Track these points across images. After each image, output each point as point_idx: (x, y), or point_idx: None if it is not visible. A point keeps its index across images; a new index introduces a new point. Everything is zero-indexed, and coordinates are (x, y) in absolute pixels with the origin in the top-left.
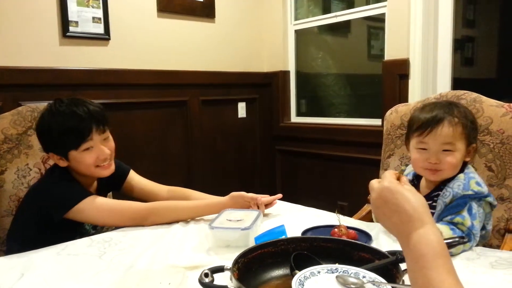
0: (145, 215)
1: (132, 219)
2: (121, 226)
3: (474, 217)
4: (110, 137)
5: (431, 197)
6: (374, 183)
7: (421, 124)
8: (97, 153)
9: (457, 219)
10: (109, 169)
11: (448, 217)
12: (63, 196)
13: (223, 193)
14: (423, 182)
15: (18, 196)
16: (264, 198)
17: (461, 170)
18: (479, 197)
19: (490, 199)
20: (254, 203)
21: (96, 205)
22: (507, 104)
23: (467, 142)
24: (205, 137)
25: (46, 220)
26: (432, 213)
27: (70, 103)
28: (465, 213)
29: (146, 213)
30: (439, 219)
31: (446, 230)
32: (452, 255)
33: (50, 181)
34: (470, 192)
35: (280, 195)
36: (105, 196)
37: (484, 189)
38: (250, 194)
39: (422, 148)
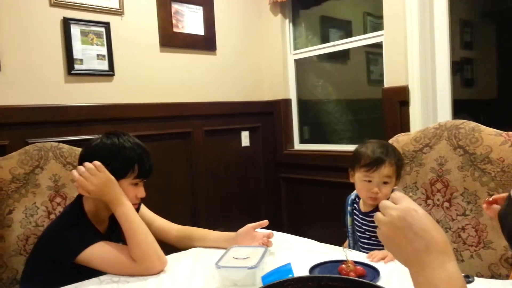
0: (135, 269)
1: (135, 270)
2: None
3: None
4: None
5: (369, 215)
6: (390, 204)
7: (368, 163)
8: (138, 191)
9: None
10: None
11: None
12: (70, 243)
13: (228, 222)
14: (361, 202)
15: (25, 235)
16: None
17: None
18: None
19: None
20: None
21: (101, 254)
22: (505, 132)
23: (397, 175)
24: (209, 167)
25: (57, 266)
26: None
27: (138, 141)
28: None
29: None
30: None
31: None
32: None
33: (60, 227)
34: None
35: (266, 222)
36: (118, 233)
37: None
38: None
39: (367, 180)
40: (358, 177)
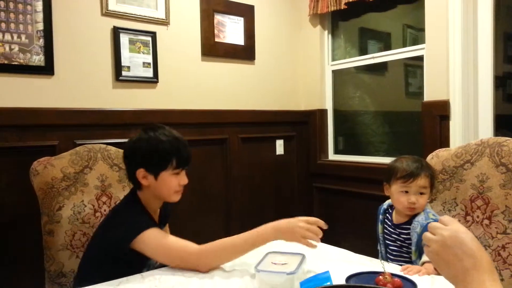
0: (194, 261)
1: (185, 263)
2: (174, 267)
3: None
4: None
5: (400, 227)
6: (440, 225)
7: (405, 175)
8: (181, 179)
9: None
10: (180, 196)
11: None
12: (131, 224)
13: None
14: (394, 213)
15: (73, 231)
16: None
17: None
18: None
19: None
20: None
21: (156, 239)
22: None
23: (431, 188)
24: (244, 173)
25: (115, 251)
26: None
27: (175, 133)
28: None
29: (195, 257)
30: (418, 246)
31: None
32: None
33: (119, 213)
34: (430, 220)
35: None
36: (163, 228)
37: (438, 217)
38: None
39: (404, 191)
40: (395, 189)
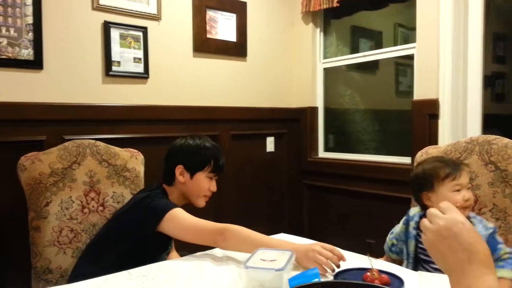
0: (215, 238)
1: (207, 240)
2: (197, 243)
3: (502, 242)
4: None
5: None
6: (439, 213)
7: (452, 171)
8: (211, 185)
9: (501, 252)
10: (205, 203)
11: (494, 255)
12: (158, 206)
13: (250, 226)
14: None
15: (60, 227)
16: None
17: None
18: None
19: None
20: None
21: (181, 218)
22: None
23: None
24: (234, 170)
25: (137, 233)
26: None
27: (216, 144)
28: (501, 245)
29: (218, 235)
30: None
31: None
32: None
33: (147, 197)
34: (490, 230)
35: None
36: None
37: (492, 225)
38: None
39: (457, 190)
40: (445, 192)
